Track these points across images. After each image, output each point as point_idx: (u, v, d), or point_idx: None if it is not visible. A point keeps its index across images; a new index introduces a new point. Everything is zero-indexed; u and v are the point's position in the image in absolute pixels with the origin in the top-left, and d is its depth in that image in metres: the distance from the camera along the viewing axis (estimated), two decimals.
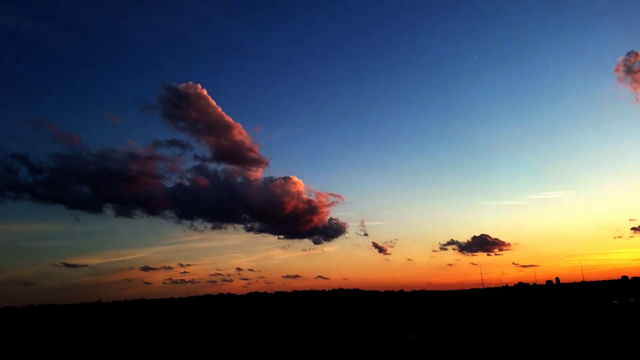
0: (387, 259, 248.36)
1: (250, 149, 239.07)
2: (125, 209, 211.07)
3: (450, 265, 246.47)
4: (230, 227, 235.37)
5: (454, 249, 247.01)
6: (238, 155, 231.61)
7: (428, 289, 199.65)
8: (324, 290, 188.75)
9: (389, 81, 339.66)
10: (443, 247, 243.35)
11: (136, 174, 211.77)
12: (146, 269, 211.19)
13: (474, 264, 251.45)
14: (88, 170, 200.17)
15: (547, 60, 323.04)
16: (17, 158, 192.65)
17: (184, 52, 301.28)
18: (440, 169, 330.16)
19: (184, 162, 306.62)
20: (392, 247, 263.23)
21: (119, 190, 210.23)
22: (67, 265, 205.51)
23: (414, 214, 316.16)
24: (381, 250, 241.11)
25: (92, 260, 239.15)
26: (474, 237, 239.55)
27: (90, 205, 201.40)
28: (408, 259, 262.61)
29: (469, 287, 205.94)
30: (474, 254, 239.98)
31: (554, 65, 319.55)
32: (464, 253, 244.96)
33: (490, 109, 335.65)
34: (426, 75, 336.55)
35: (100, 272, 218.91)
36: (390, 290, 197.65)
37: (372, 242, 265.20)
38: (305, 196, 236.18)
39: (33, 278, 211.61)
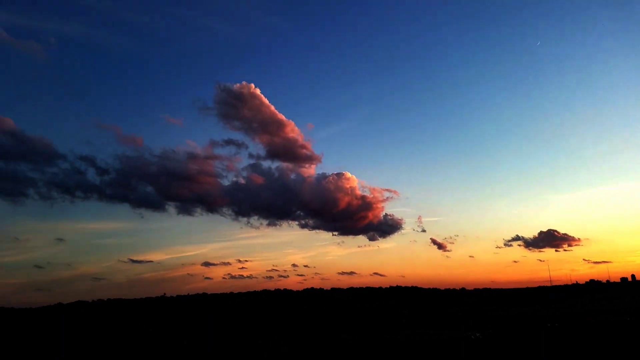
0: (447, 256, 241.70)
1: (303, 146, 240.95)
2: (186, 206, 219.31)
3: (515, 262, 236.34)
4: (284, 224, 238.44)
5: (519, 245, 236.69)
6: (291, 153, 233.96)
7: (492, 287, 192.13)
8: (380, 287, 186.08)
9: (445, 74, 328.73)
10: (508, 244, 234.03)
11: (195, 173, 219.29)
12: (206, 264, 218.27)
13: (541, 261, 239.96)
14: (151, 170, 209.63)
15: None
16: (85, 160, 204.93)
17: (237, 52, 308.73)
18: (502, 161, 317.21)
19: (239, 161, 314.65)
20: (452, 243, 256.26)
21: (180, 189, 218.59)
22: (133, 261, 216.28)
23: (475, 209, 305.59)
24: (440, 246, 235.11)
25: (157, 257, 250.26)
26: (541, 233, 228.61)
27: (154, 203, 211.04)
28: (470, 256, 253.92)
29: (536, 285, 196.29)
30: (541, 250, 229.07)
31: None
32: (530, 249, 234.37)
33: (555, 96, 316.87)
34: (485, 66, 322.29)
35: (164, 267, 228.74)
36: (451, 288, 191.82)
37: (431, 239, 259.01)
38: (359, 192, 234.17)
39: (102, 274, 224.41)
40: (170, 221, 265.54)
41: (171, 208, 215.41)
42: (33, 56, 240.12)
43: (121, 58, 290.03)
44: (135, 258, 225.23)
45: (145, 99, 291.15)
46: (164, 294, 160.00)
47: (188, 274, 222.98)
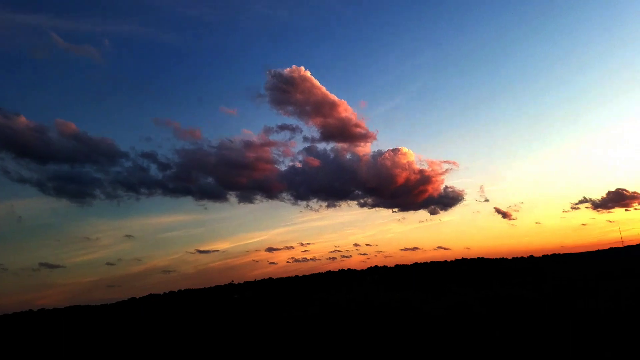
0: (512, 225, 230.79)
1: (357, 125, 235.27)
2: (246, 195, 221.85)
3: (584, 225, 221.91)
4: (344, 204, 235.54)
5: (587, 208, 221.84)
6: (345, 132, 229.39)
7: (561, 252, 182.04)
8: (445, 261, 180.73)
9: (500, 36, 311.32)
10: (575, 207, 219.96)
11: (253, 161, 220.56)
12: (270, 249, 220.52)
13: (610, 222, 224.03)
14: (210, 161, 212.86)
15: None
16: (146, 157, 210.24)
17: (286, 36, 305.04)
18: (565, 121, 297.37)
19: (294, 145, 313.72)
20: (517, 211, 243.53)
21: (239, 177, 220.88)
22: (200, 251, 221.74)
23: (539, 173, 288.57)
24: (505, 215, 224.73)
25: (222, 245, 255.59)
26: (609, 193, 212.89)
27: (216, 194, 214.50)
28: (536, 223, 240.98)
29: (607, 247, 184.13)
30: (610, 210, 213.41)
31: None
32: (598, 211, 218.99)
33: (619, 55, 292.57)
34: (547, 23, 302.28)
35: (229, 255, 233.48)
36: (519, 256, 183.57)
37: (494, 208, 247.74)
38: (416, 166, 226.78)
39: (171, 266, 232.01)
40: (232, 210, 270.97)
41: (232, 197, 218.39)
42: (89, 60, 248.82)
43: (174, 53, 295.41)
44: (201, 248, 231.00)
45: (200, 91, 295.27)
46: (232, 281, 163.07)
47: (253, 260, 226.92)
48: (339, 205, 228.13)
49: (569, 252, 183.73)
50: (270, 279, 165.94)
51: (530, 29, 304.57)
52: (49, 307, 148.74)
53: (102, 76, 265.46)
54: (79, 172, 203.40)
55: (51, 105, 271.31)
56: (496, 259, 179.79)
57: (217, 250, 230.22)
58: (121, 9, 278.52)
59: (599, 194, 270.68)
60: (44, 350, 39.42)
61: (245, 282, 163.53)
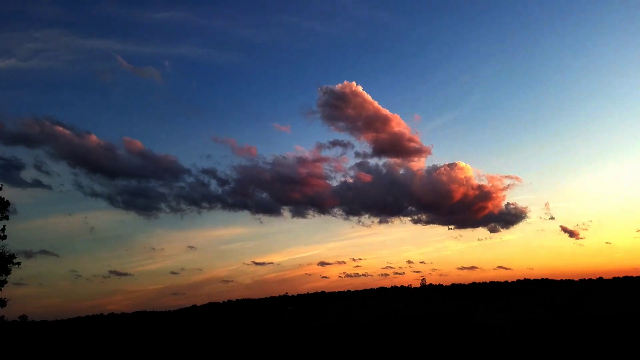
0: (580, 244, 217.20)
1: (411, 139, 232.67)
2: (299, 209, 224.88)
3: None
4: (396, 220, 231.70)
5: None
6: (398, 147, 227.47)
7: (634, 275, 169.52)
8: (506, 282, 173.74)
9: (565, 45, 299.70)
10: None
11: (305, 177, 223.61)
12: (322, 264, 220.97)
13: None
14: (265, 177, 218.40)
15: None
16: (207, 173, 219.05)
17: (338, 52, 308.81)
18: (633, 132, 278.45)
19: (346, 161, 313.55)
20: (586, 230, 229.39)
21: (292, 193, 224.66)
22: (256, 263, 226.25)
23: (609, 189, 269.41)
24: (572, 234, 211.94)
25: (277, 258, 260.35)
26: None
27: (271, 208, 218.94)
28: (606, 242, 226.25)
29: None
30: None
31: None
32: None
33: None
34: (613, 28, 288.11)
35: (283, 268, 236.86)
36: (587, 278, 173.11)
37: (560, 226, 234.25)
38: (475, 182, 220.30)
39: (230, 276, 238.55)
40: (286, 224, 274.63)
41: (286, 212, 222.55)
42: (152, 81, 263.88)
43: (229, 73, 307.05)
44: (257, 260, 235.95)
45: (255, 109, 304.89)
46: (286, 293, 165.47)
47: (306, 273, 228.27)
48: (392, 222, 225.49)
49: None
50: (323, 292, 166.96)
51: (599, 36, 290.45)
52: (118, 312, 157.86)
53: (163, 96, 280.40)
54: (146, 187, 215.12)
55: (119, 124, 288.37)
56: (562, 280, 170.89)
57: (272, 263, 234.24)
58: (180, 32, 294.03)
59: None
60: (112, 351, 42.36)
61: (299, 295, 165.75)
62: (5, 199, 30.46)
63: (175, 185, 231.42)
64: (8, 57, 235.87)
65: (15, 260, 30.49)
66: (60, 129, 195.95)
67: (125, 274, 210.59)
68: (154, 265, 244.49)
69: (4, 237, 30.36)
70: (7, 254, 30.20)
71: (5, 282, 30.12)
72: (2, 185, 30.46)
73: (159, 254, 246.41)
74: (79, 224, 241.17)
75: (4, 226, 30.48)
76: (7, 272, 30.30)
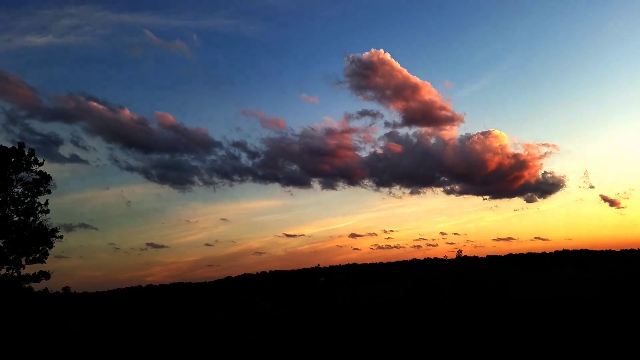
0: (621, 214, 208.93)
1: (442, 107, 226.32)
2: (329, 181, 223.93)
3: None
4: (428, 191, 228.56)
5: None
6: (429, 116, 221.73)
7: None
8: (544, 253, 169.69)
9: (597, 7, 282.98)
10: None
11: (334, 148, 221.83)
12: (353, 235, 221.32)
13: None
14: (294, 149, 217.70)
15: None
16: (237, 146, 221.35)
17: (363, 18, 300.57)
18: None
19: (375, 131, 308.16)
20: (627, 199, 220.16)
21: (322, 164, 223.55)
22: (287, 235, 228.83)
23: None
24: (612, 203, 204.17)
25: (308, 230, 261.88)
26: None
27: (301, 181, 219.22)
28: None
29: None
30: None
31: None
32: None
33: None
34: None
35: (315, 240, 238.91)
36: (629, 249, 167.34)
37: (600, 195, 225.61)
38: (510, 150, 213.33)
39: (262, 248, 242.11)
40: (316, 196, 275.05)
41: (316, 184, 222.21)
42: (181, 55, 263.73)
43: (256, 44, 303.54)
44: (289, 233, 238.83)
45: (283, 81, 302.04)
46: (318, 264, 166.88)
47: (337, 245, 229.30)
48: (424, 192, 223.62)
49: None
50: (355, 264, 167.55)
51: None
52: (156, 284, 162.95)
53: (192, 70, 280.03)
54: (179, 161, 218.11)
55: (150, 98, 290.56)
56: (603, 250, 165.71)
57: (303, 235, 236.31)
58: (206, 4, 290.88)
59: None
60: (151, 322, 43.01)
61: (331, 266, 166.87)
62: (47, 174, 30.65)
63: (208, 158, 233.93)
64: (45, 34, 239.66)
65: (57, 234, 30.90)
66: (95, 104, 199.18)
67: (161, 246, 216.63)
68: (189, 238, 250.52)
69: (47, 211, 30.70)
70: (50, 228, 30.59)
71: (47, 255, 30.56)
72: (44, 160, 30.54)
73: (193, 227, 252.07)
74: (115, 197, 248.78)
75: (47, 200, 30.71)
76: (50, 245, 30.75)
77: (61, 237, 31.18)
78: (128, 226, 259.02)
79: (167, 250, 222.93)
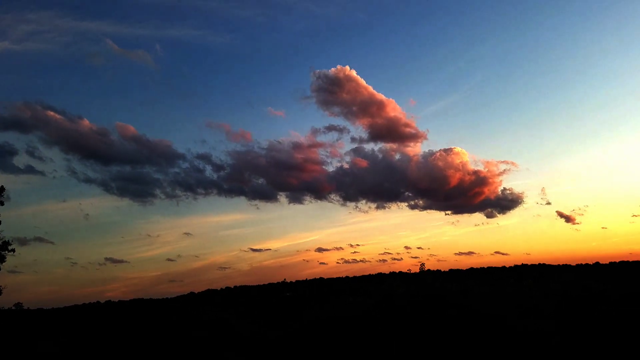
0: (576, 229, 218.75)
1: (406, 124, 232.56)
2: (296, 195, 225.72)
3: None
4: (393, 206, 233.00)
5: None
6: (394, 132, 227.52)
7: (630, 260, 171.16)
8: (504, 267, 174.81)
9: (557, 30, 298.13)
10: None
11: (301, 162, 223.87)
12: (320, 250, 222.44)
13: None
14: (260, 163, 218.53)
15: None
16: (202, 159, 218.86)
17: (330, 35, 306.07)
18: (635, 117, 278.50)
19: (342, 146, 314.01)
20: (582, 215, 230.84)
21: (289, 178, 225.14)
22: (253, 250, 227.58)
23: (606, 175, 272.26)
24: (568, 219, 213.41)
25: (274, 245, 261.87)
26: None
27: (267, 194, 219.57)
28: (602, 227, 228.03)
29: None
30: None
31: None
32: None
33: None
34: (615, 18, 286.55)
35: (281, 255, 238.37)
36: (584, 263, 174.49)
37: (557, 212, 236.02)
38: (471, 167, 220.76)
39: (227, 263, 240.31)
40: (282, 210, 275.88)
41: (282, 198, 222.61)
42: (144, 64, 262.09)
43: (224, 56, 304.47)
44: (255, 247, 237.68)
45: (250, 94, 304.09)
46: (284, 279, 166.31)
47: (304, 259, 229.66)
48: (389, 207, 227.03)
49: (638, 259, 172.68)
50: (322, 278, 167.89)
51: (592, 19, 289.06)
52: (115, 300, 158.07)
53: (155, 80, 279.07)
54: (140, 173, 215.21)
55: (111, 109, 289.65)
56: (559, 265, 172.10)
57: (269, 249, 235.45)
58: (171, 14, 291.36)
59: None
60: (110, 339, 41.91)
61: (297, 281, 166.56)
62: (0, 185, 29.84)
63: (170, 171, 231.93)
64: (1, 40, 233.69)
65: (10, 247, 29.97)
66: (52, 113, 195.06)
67: (121, 261, 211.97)
68: (150, 252, 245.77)
69: None
70: (1, 241, 29.67)
71: None
72: None
73: (155, 241, 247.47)
74: (73, 210, 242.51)
75: None
76: (2, 259, 29.82)
77: (13, 250, 30.36)
78: (86, 240, 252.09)
79: (127, 265, 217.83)
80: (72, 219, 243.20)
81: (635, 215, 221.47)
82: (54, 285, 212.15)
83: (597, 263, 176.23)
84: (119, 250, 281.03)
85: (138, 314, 74.34)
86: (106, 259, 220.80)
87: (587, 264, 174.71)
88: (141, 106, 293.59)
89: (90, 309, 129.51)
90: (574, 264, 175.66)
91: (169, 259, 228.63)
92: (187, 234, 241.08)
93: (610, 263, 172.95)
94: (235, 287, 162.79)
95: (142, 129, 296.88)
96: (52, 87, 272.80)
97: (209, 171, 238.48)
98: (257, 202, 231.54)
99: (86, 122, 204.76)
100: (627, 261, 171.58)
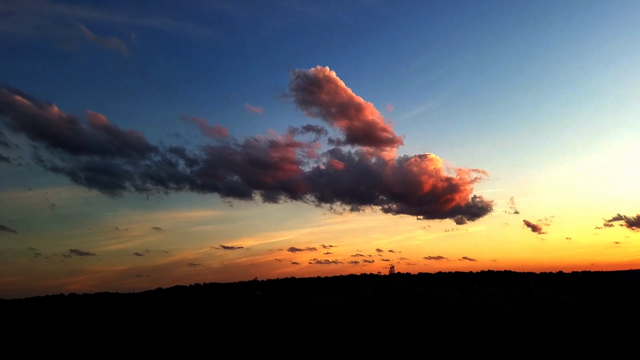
0: (542, 239, 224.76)
1: (383, 129, 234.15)
2: (270, 194, 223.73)
3: (617, 243, 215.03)
4: (367, 209, 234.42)
5: (621, 225, 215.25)
6: (371, 136, 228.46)
7: (592, 270, 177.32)
8: (470, 272, 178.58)
9: (533, 45, 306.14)
10: (608, 224, 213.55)
11: (278, 161, 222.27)
12: (293, 250, 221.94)
13: None
14: (236, 160, 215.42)
15: None
16: (175, 152, 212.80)
17: (311, 34, 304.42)
18: (602, 135, 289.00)
19: (319, 147, 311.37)
20: (548, 225, 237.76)
21: (264, 177, 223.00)
22: (225, 247, 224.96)
23: (573, 187, 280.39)
24: (535, 229, 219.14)
25: (246, 243, 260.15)
26: None
27: (241, 192, 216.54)
28: (567, 238, 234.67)
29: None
30: None
31: None
32: (633, 229, 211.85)
33: None
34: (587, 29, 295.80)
35: (253, 253, 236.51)
36: (548, 272, 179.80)
37: (524, 221, 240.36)
38: (444, 174, 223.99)
39: (197, 260, 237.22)
40: (257, 209, 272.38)
41: (257, 196, 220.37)
42: (118, 53, 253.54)
43: (202, 49, 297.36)
44: (226, 244, 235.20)
45: (227, 89, 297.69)
46: (256, 278, 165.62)
47: (276, 259, 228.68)
48: (363, 210, 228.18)
49: (599, 270, 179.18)
50: (293, 278, 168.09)
51: (573, 31, 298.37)
52: (79, 293, 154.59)
53: (129, 69, 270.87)
54: (110, 164, 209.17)
55: (82, 96, 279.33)
56: (524, 272, 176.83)
57: (242, 247, 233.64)
58: (149, 2, 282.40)
59: (634, 212, 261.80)
60: (73, 333, 41.29)
61: (269, 280, 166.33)
62: None
63: (141, 163, 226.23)
64: None
65: None
66: (20, 98, 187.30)
67: (87, 254, 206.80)
68: (117, 246, 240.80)
69: None
70: None
71: None
72: None
73: (123, 234, 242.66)
74: (38, 199, 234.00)
75: None
76: None
77: None
78: (51, 231, 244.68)
79: (93, 258, 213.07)
80: (37, 209, 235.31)
81: (599, 228, 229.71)
82: (15, 276, 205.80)
83: (560, 272, 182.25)
84: (85, 242, 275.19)
85: (105, 308, 73.11)
86: (71, 250, 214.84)
87: (550, 272, 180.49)
88: (113, 95, 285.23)
89: (53, 301, 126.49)
90: (538, 272, 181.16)
91: (136, 254, 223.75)
92: (156, 228, 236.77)
93: (573, 272, 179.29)
94: (204, 284, 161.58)
95: (113, 119, 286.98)
96: (20, 71, 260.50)
97: (181, 165, 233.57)
98: (230, 199, 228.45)
99: (55, 108, 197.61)
100: (589, 271, 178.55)
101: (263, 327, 35.91)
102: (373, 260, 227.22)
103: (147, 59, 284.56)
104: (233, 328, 35.47)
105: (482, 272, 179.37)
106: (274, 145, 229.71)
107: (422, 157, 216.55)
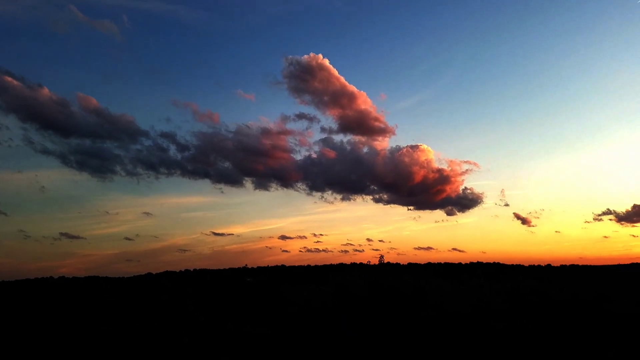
0: (531, 232, 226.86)
1: (376, 118, 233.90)
2: (262, 182, 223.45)
3: (605, 237, 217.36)
4: (359, 198, 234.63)
5: (610, 220, 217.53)
6: (364, 125, 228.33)
7: (580, 264, 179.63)
8: (460, 263, 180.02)
9: (526, 38, 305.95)
10: (597, 218, 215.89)
11: (269, 148, 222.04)
12: (283, 238, 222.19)
13: (634, 237, 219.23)
14: (227, 146, 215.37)
15: None
16: (166, 137, 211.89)
17: (305, 21, 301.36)
18: (593, 128, 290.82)
19: (311, 135, 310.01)
20: (538, 218, 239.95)
21: (256, 164, 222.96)
22: (215, 234, 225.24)
23: (563, 181, 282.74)
24: (524, 221, 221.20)
25: (237, 230, 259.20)
26: (635, 206, 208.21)
27: (233, 179, 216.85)
28: (556, 231, 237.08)
29: (628, 262, 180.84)
30: (635, 224, 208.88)
31: None
32: (622, 224, 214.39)
33: None
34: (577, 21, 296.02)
35: (244, 240, 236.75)
36: (536, 264, 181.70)
37: (514, 213, 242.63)
38: (435, 165, 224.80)
39: (187, 245, 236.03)
40: (248, 196, 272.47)
41: (248, 183, 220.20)
42: (110, 35, 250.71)
43: (195, 33, 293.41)
44: (217, 231, 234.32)
45: (219, 74, 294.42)
46: (246, 265, 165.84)
47: (266, 246, 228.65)
48: (354, 199, 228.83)
49: (587, 264, 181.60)
50: (283, 266, 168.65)
51: (565, 26, 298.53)
52: (69, 276, 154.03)
53: (121, 52, 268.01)
54: (100, 148, 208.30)
55: (73, 79, 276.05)
56: (513, 265, 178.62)
57: (232, 234, 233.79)
58: None
59: (624, 207, 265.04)
60: (63, 316, 41.16)
61: (259, 267, 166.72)
62: None
63: (132, 147, 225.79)
64: None
65: None
66: (10, 79, 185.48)
67: (77, 237, 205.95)
68: (107, 230, 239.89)
69: None
70: None
71: None
72: None
73: (113, 219, 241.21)
74: (28, 181, 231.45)
75: None
76: None
77: None
78: (41, 213, 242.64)
79: (83, 242, 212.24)
80: (27, 191, 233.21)
81: (588, 222, 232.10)
82: (4, 258, 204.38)
83: (548, 265, 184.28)
84: (75, 225, 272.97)
85: (96, 291, 72.80)
86: (61, 233, 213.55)
87: (539, 265, 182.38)
88: (104, 78, 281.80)
89: (42, 283, 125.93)
90: (526, 264, 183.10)
91: (127, 238, 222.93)
92: (147, 213, 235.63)
93: (561, 266, 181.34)
94: (194, 270, 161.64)
95: (104, 102, 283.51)
96: (10, 52, 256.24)
97: (172, 151, 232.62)
98: (221, 185, 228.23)
99: (46, 90, 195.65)
100: (577, 265, 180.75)
101: (263, 327, 35.97)
102: (363, 250, 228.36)
103: (139, 43, 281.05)
104: (232, 327, 35.48)
105: (471, 263, 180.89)
106: (265, 132, 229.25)
107: (414, 147, 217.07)
